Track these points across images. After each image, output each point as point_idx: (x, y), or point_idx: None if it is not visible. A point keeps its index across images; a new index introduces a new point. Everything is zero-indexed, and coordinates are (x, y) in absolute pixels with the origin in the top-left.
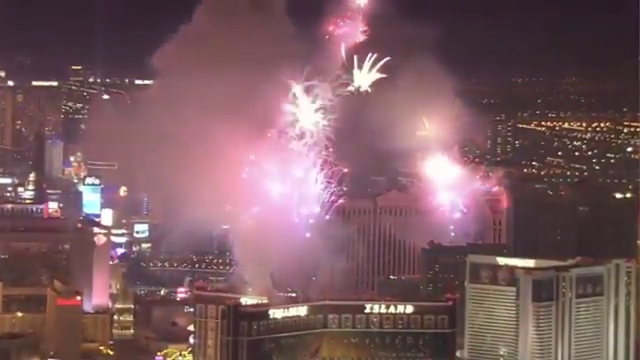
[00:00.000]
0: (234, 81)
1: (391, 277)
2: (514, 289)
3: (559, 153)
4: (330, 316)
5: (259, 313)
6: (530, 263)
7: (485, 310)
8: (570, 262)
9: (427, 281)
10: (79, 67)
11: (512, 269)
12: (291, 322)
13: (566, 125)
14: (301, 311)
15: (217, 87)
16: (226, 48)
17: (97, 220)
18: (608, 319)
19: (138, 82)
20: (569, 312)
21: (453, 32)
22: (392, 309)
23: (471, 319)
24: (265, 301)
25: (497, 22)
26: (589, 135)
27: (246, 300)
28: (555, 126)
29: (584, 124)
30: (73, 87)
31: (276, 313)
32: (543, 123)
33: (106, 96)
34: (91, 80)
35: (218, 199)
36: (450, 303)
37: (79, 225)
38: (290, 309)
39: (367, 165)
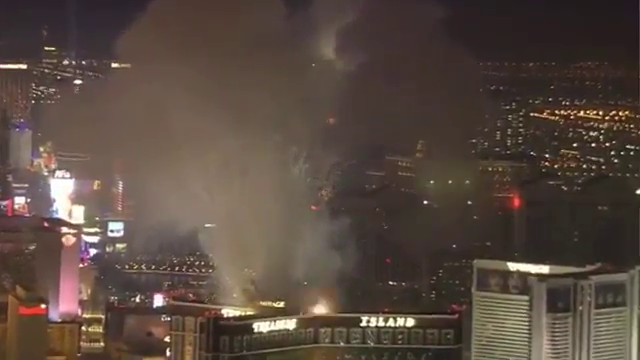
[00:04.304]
0: (212, 67)
1: (390, 283)
2: (527, 298)
3: (574, 145)
4: (322, 330)
5: (242, 326)
6: (544, 269)
7: (494, 321)
8: (589, 268)
9: (430, 288)
10: (52, 49)
11: (524, 276)
12: (278, 336)
13: (582, 114)
14: (289, 324)
15: (193, 74)
16: (204, 30)
17: (66, 218)
18: (631, 331)
19: (115, 65)
20: (587, 324)
21: (459, 13)
22: (391, 322)
23: (478, 331)
24: (249, 312)
25: (506, 2)
26: (607, 125)
27: (228, 311)
28: (570, 115)
29: (601, 112)
30: (45, 70)
31: (261, 326)
32: (557, 112)
33: (78, 81)
34: (65, 63)
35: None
36: (456, 316)
37: (45, 223)
38: (277, 322)
39: (363, 158)
